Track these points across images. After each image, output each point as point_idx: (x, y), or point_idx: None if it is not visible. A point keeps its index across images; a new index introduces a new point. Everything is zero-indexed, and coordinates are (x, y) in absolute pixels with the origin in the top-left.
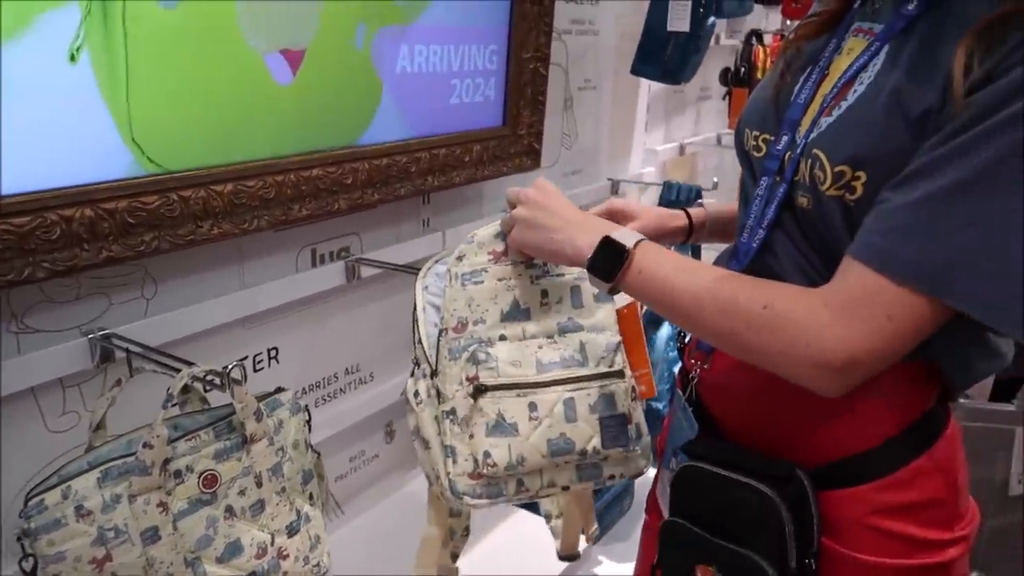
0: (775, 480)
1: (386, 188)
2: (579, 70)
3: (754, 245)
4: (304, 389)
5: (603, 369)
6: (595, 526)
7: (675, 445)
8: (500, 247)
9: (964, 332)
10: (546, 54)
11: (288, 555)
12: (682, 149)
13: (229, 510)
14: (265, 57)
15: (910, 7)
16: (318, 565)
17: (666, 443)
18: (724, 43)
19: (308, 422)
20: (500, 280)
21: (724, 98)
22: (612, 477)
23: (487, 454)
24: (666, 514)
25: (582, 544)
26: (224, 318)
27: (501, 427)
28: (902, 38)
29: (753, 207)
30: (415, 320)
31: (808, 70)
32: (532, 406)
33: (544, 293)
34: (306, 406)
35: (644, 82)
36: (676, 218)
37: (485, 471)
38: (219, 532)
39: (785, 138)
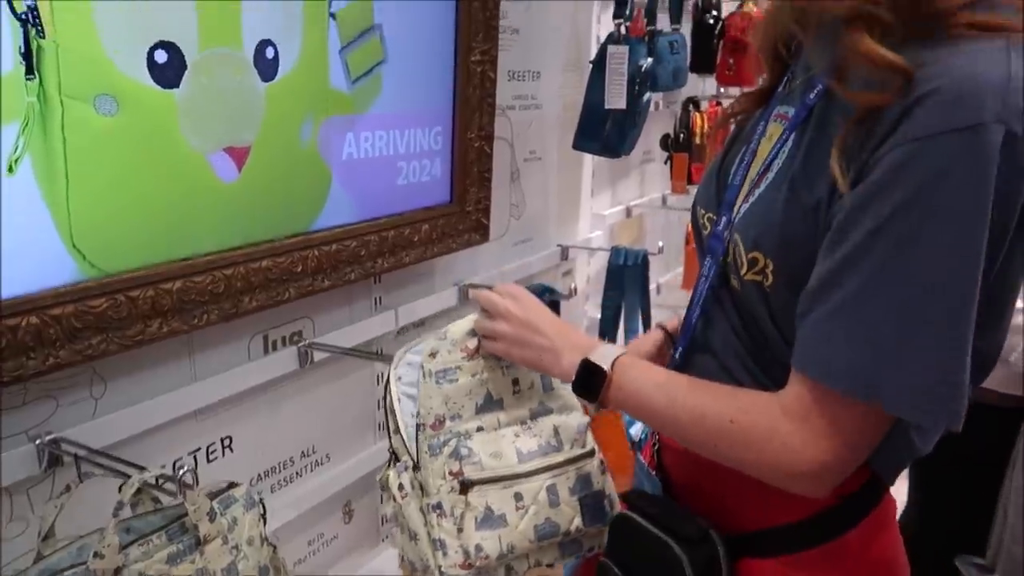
0: (687, 540)
1: (336, 273)
2: (524, 142)
3: (692, 322)
4: (260, 475)
5: (577, 451)
6: None
7: None
8: (473, 344)
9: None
10: (490, 132)
11: None
12: (629, 211)
13: None
14: (208, 157)
15: (811, 96)
16: None
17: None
18: (663, 110)
19: (263, 515)
20: (474, 376)
21: (665, 163)
22: (591, 549)
23: (479, 547)
24: None
25: None
26: (175, 412)
27: (490, 519)
28: (804, 127)
29: (699, 284)
30: (389, 411)
31: (742, 151)
32: (518, 496)
33: (516, 381)
34: (261, 499)
35: None
36: (653, 335)
37: (477, 563)
38: None
39: (724, 219)
